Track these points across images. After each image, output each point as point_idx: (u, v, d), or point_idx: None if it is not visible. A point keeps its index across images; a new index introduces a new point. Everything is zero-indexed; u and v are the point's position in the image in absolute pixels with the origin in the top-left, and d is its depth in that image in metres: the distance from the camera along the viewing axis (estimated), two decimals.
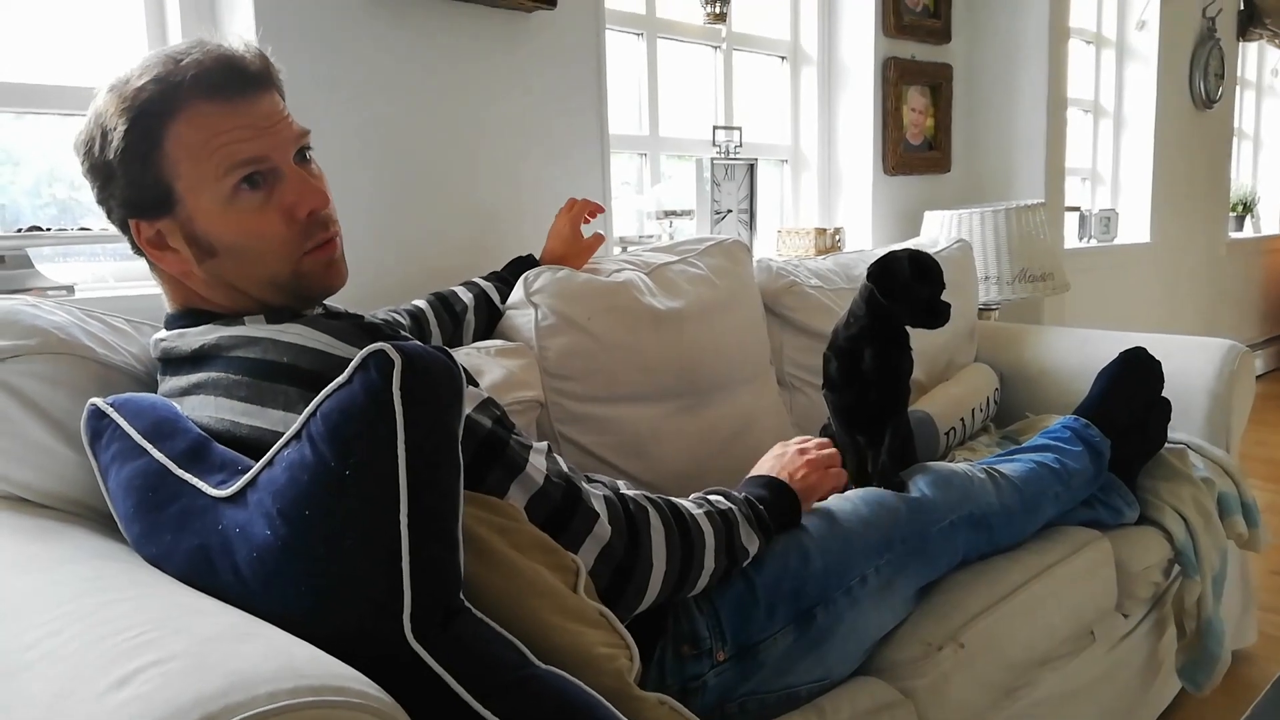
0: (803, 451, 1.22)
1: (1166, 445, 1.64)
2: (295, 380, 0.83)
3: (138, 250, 0.94)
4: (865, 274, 1.35)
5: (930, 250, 2.21)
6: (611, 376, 1.51)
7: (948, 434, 1.88)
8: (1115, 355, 1.61)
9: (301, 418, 0.73)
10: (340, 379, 0.72)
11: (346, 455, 0.70)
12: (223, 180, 0.88)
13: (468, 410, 0.90)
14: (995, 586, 1.26)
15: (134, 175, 0.88)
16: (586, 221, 1.64)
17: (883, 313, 1.31)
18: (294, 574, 0.70)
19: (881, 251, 2.28)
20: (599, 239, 1.66)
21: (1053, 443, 1.50)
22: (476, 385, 0.96)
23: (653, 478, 1.52)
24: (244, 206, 0.89)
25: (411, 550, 0.69)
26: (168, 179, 0.88)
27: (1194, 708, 1.72)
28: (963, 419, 1.92)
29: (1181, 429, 1.79)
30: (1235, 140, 4.80)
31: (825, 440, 1.26)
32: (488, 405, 0.93)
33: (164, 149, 0.87)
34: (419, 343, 0.76)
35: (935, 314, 1.28)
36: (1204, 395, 1.84)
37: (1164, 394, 1.61)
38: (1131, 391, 1.57)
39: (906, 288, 1.29)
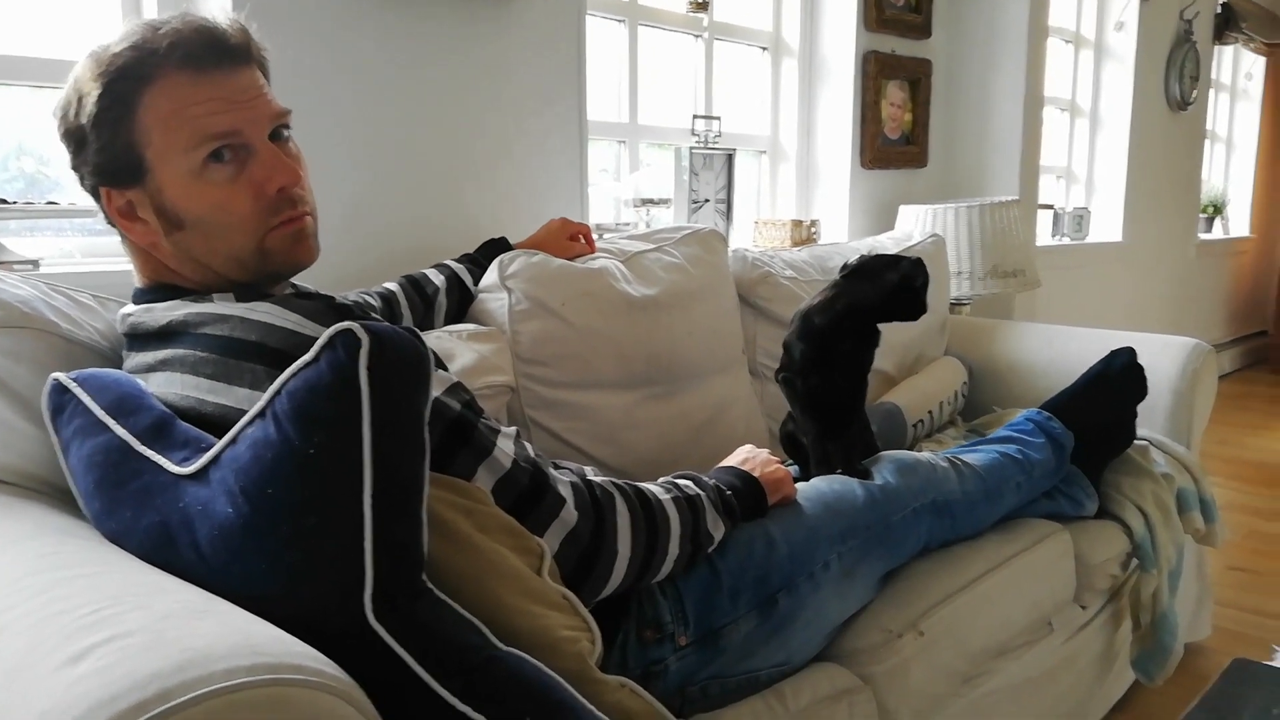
0: (769, 461, 1.23)
1: (1131, 442, 1.66)
2: (263, 358, 0.83)
3: (109, 220, 0.94)
4: (841, 267, 1.37)
5: (904, 244, 2.22)
6: (584, 363, 1.51)
7: (915, 426, 1.90)
8: (1083, 351, 1.63)
9: (266, 395, 0.73)
10: (307, 357, 0.72)
11: (311, 434, 0.70)
12: (192, 152, 0.88)
13: (436, 393, 0.90)
14: (956, 575, 1.28)
15: (106, 141, 0.88)
16: (575, 240, 1.65)
17: (863, 304, 1.32)
18: (255, 552, 0.70)
19: (857, 244, 2.31)
20: (590, 249, 1.66)
21: (1016, 434, 1.52)
22: (446, 369, 0.96)
23: (624, 465, 1.52)
24: (212, 180, 0.89)
25: (374, 531, 0.69)
26: (139, 147, 0.88)
27: (1147, 699, 1.75)
28: (931, 411, 1.94)
29: (1145, 425, 1.82)
30: (1208, 142, 4.85)
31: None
32: (457, 389, 0.93)
33: (136, 116, 0.87)
34: (388, 323, 0.76)
35: (915, 309, 1.30)
36: (1167, 393, 1.87)
37: None
38: (1112, 391, 1.59)
39: (888, 282, 1.30)
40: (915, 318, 1.31)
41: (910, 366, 2.08)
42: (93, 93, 0.87)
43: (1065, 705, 1.54)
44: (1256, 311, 5.50)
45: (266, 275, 0.95)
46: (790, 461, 1.48)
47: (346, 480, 0.69)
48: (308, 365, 0.72)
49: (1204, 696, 0.91)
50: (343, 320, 0.75)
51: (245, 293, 0.93)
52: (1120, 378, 1.59)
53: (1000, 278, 2.44)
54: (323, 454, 0.69)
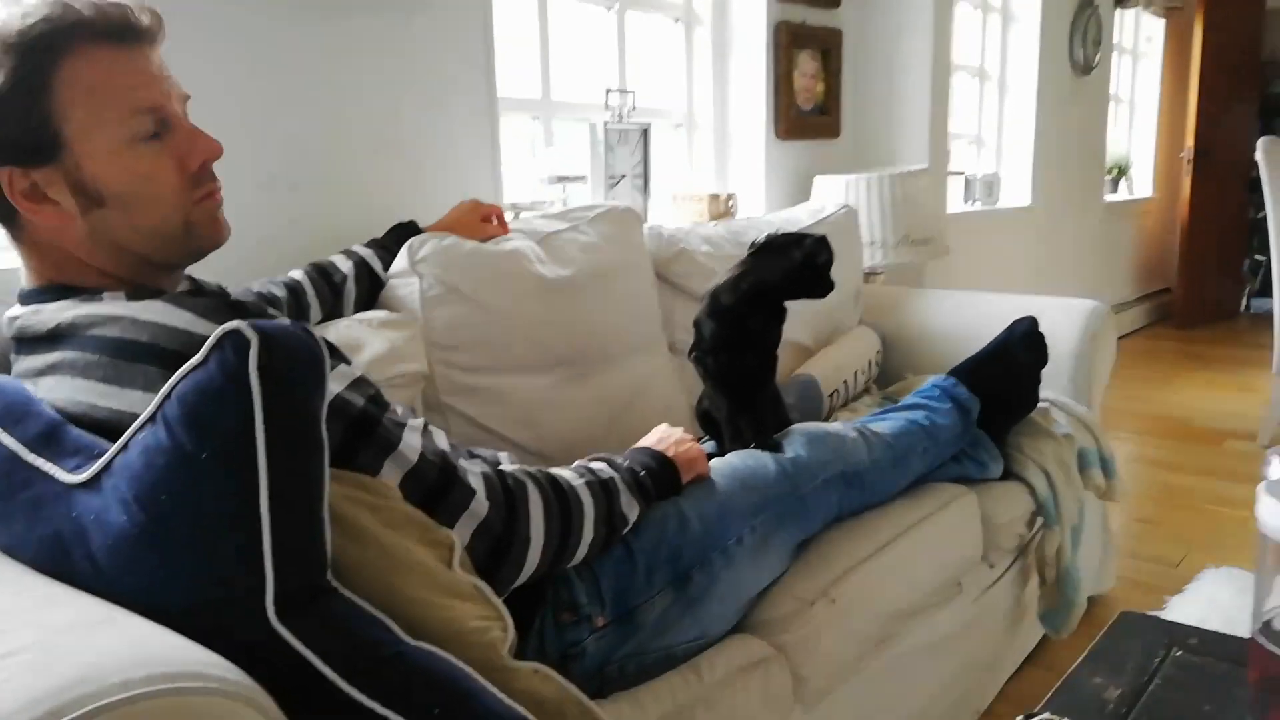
0: (683, 440, 1.25)
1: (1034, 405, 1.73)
2: (155, 359, 0.81)
3: (4, 211, 0.89)
4: (750, 245, 1.39)
5: (818, 216, 2.26)
6: (500, 347, 1.51)
7: (832, 396, 1.94)
8: (990, 316, 1.69)
9: (155, 400, 0.71)
10: (195, 359, 0.71)
11: (203, 438, 0.69)
12: (123, 125, 0.87)
13: (339, 389, 0.89)
14: (866, 542, 1.32)
15: (18, 116, 0.84)
16: (487, 221, 1.64)
17: (769, 282, 1.35)
18: (152, 561, 0.69)
19: (772, 217, 2.34)
20: (503, 230, 1.65)
21: (923, 401, 1.57)
22: (349, 362, 0.95)
23: (544, 448, 1.53)
24: (141, 152, 0.88)
25: (273, 533, 0.68)
26: (55, 122, 0.85)
27: (1056, 650, 1.83)
28: (846, 381, 1.99)
29: (1048, 387, 1.89)
30: (1111, 105, 5.02)
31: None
32: (360, 383, 0.93)
33: (53, 89, 0.84)
34: (281, 321, 0.75)
35: (820, 286, 1.32)
36: (1069, 356, 1.95)
37: None
38: (1014, 359, 1.65)
39: (792, 260, 1.33)
40: (821, 295, 1.34)
41: (826, 338, 2.12)
42: (4, 64, 0.83)
43: (977, 661, 1.61)
44: (1160, 269, 5.73)
45: (190, 252, 0.94)
46: (707, 438, 1.50)
47: (241, 484, 0.68)
48: (196, 368, 0.70)
49: (1091, 650, 0.96)
50: (237, 317, 0.74)
51: (138, 291, 0.91)
52: (1022, 345, 1.65)
53: (911, 246, 2.50)
54: (216, 458, 0.68)
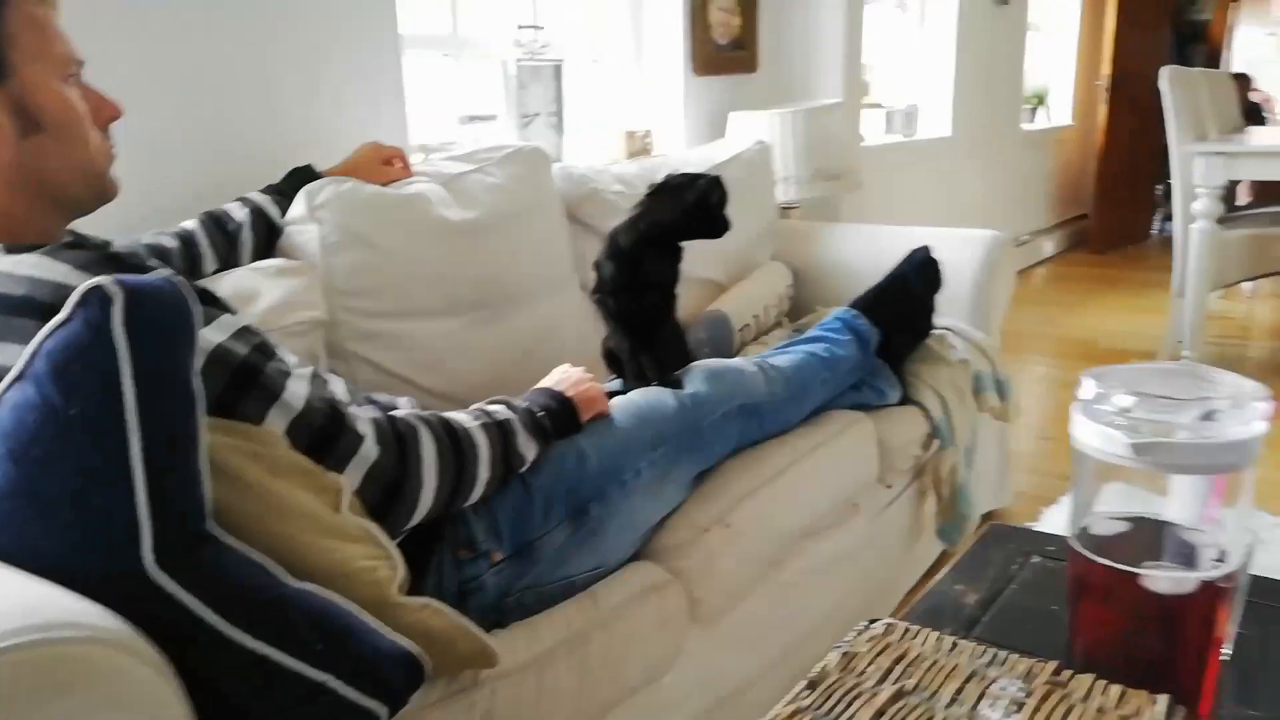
0: (582, 379, 1.28)
1: (930, 332, 1.80)
2: (32, 313, 0.81)
3: None
4: (649, 186, 1.40)
5: (732, 151, 2.27)
6: (404, 292, 1.52)
7: (742, 330, 1.99)
8: (899, 249, 1.74)
9: (22, 358, 0.72)
10: (60, 316, 0.71)
11: (71, 395, 0.70)
12: (61, 64, 0.92)
13: (220, 339, 0.90)
14: (762, 469, 1.37)
15: None
16: (389, 164, 1.62)
17: (664, 223, 1.37)
18: (27, 516, 0.70)
19: (687, 154, 2.35)
20: (406, 173, 1.64)
21: (824, 333, 1.62)
22: (233, 312, 0.95)
23: (454, 391, 1.55)
24: (73, 91, 0.94)
25: (148, 486, 0.70)
26: (5, 45, 0.88)
27: None
28: (756, 315, 2.04)
29: (949, 315, 1.97)
30: (1030, 34, 5.08)
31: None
32: (244, 333, 0.93)
33: (5, 15, 0.88)
34: (150, 275, 0.75)
35: (715, 227, 1.35)
36: (969, 284, 2.02)
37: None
38: (911, 287, 1.70)
39: (685, 201, 1.35)
40: (716, 235, 1.36)
41: (738, 274, 2.16)
42: None
43: (877, 576, 1.69)
44: (1078, 196, 5.88)
45: (98, 196, 0.98)
46: (614, 377, 1.54)
47: (112, 440, 0.69)
48: (62, 324, 0.71)
49: (956, 561, 1.02)
50: (114, 271, 0.75)
51: (15, 246, 0.90)
52: (917, 274, 1.70)
53: (825, 180, 2.54)
54: (85, 415, 0.69)
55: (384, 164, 1.63)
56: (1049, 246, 5.47)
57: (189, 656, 0.69)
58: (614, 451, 1.21)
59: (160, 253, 1.30)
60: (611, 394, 1.34)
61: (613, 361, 1.52)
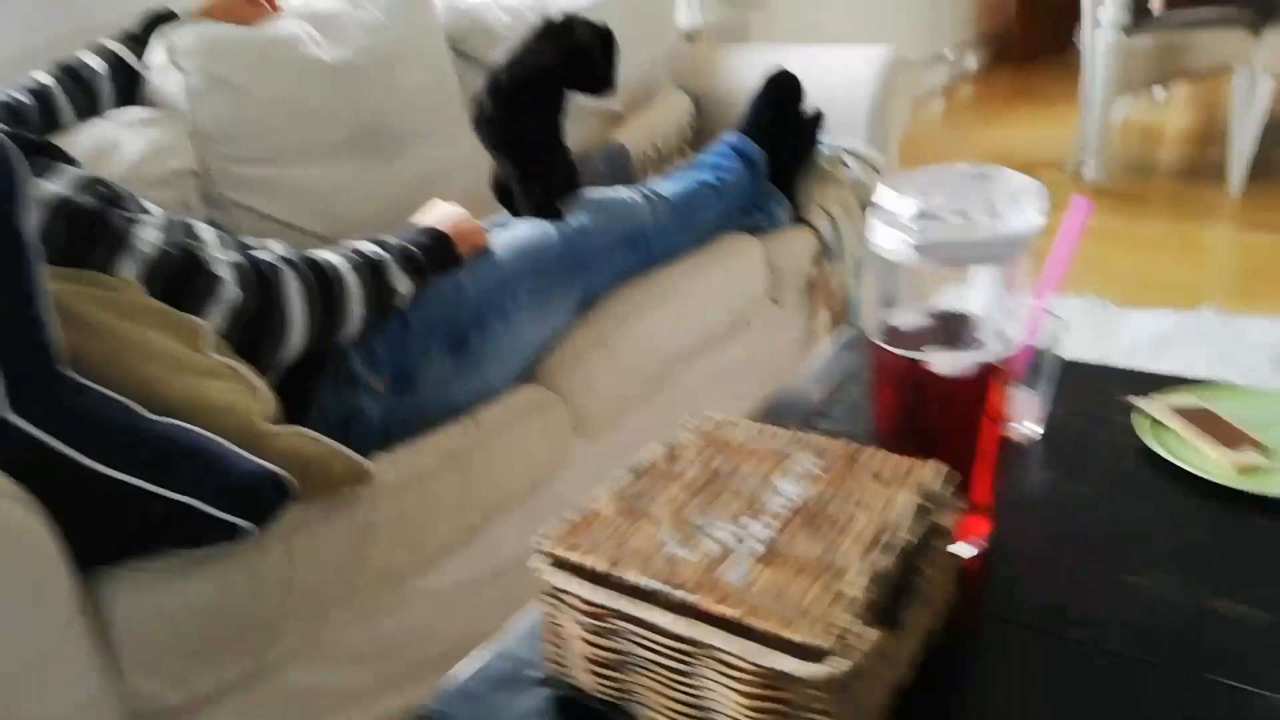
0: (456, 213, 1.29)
1: (824, 153, 1.82)
2: None
3: None
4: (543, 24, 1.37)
5: None
6: (279, 136, 1.49)
7: (642, 160, 1.99)
8: (799, 70, 1.74)
9: None
10: None
11: None
12: None
13: (64, 191, 0.90)
14: (648, 293, 1.42)
15: None
16: (254, 3, 1.55)
17: (544, 68, 1.34)
18: None
19: None
20: (273, 10, 1.57)
21: (712, 160, 1.64)
22: (75, 164, 0.95)
23: (341, 233, 1.54)
24: None
25: None
26: None
27: None
28: (656, 145, 2.04)
29: (846, 136, 1.98)
30: None
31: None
32: (90, 185, 0.93)
33: None
34: None
35: (596, 82, 1.33)
36: (865, 102, 2.02)
37: (827, 104, 1.76)
38: (778, 108, 1.71)
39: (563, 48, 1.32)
40: (597, 93, 1.34)
41: (637, 102, 2.13)
42: None
43: (771, 384, 1.78)
44: (1002, 6, 5.76)
45: None
46: (506, 212, 1.55)
47: None
48: None
49: (810, 361, 1.09)
50: None
51: None
52: (781, 92, 1.71)
53: (729, 4, 2.47)
54: None
55: (249, 3, 1.56)
56: (972, 60, 5.42)
57: (54, 491, 0.74)
58: (493, 283, 1.24)
59: (13, 110, 1.26)
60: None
61: (503, 194, 1.53)
